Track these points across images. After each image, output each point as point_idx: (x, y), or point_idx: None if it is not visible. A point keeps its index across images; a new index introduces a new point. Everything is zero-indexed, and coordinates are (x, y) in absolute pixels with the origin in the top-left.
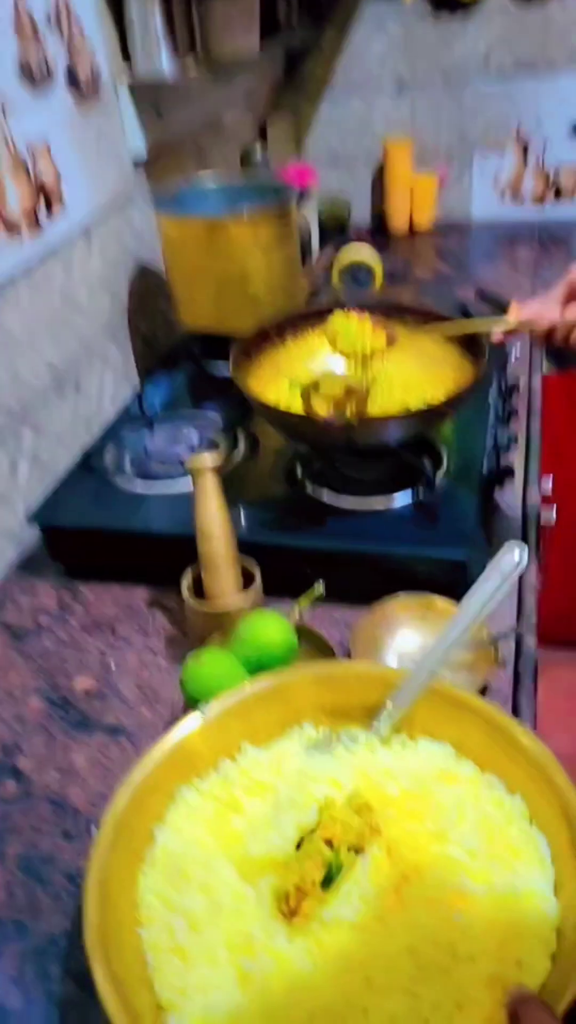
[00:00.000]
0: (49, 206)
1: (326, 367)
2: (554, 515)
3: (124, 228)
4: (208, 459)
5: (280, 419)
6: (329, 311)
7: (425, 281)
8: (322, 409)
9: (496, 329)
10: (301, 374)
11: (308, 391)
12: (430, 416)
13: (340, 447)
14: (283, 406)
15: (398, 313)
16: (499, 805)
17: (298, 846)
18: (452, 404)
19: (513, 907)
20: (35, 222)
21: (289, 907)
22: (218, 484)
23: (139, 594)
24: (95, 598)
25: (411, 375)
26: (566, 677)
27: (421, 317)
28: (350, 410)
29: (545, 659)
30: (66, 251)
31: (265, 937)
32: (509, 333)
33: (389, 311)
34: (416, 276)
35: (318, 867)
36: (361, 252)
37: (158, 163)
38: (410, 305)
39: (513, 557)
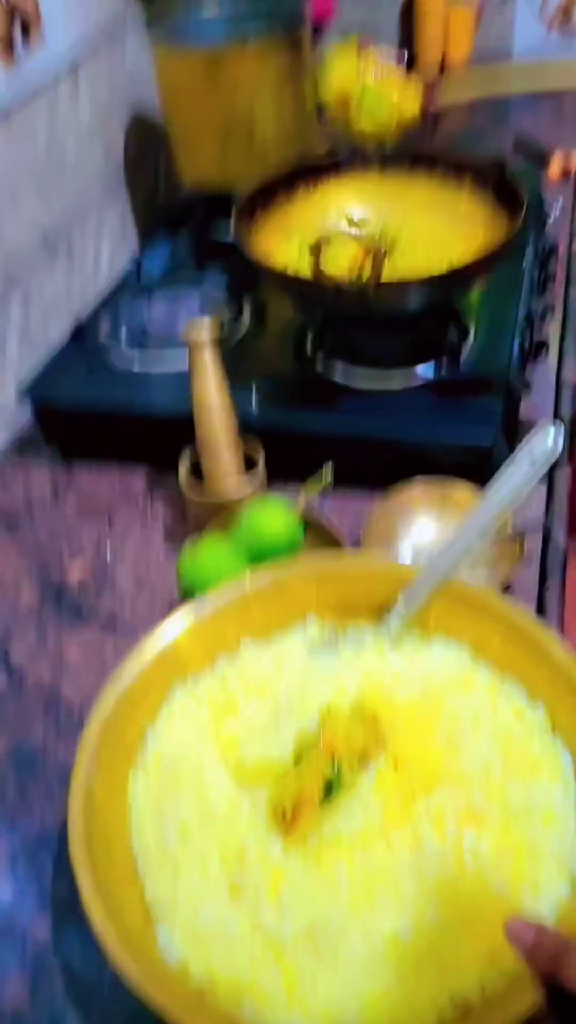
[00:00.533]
0: (26, 31)
1: (341, 225)
2: None
3: (117, 66)
4: (205, 329)
5: (288, 284)
6: (346, 161)
7: (455, 130)
8: (334, 272)
9: None
10: (312, 233)
11: (318, 251)
12: (455, 280)
13: (354, 316)
14: (291, 270)
15: (426, 163)
16: (519, 715)
17: (297, 756)
18: (481, 266)
19: (529, 826)
20: (9, 52)
21: (286, 821)
22: (217, 357)
23: (138, 479)
24: (91, 482)
25: (437, 234)
26: None
27: (452, 168)
28: (366, 273)
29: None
30: (49, 91)
31: (260, 849)
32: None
33: (416, 159)
34: (446, 123)
35: (318, 781)
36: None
37: None
38: (439, 154)
39: (547, 441)
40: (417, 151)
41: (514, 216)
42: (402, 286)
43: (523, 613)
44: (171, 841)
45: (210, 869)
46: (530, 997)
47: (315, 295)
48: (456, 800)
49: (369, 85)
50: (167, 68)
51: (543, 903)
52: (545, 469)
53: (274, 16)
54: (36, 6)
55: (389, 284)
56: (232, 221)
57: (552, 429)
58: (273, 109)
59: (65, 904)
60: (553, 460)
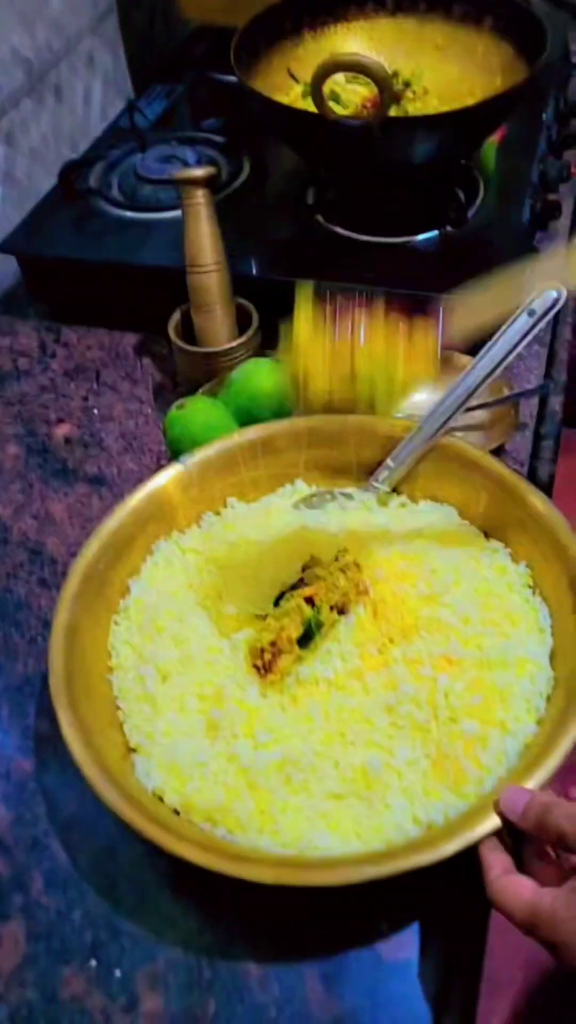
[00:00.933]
0: None
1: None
2: None
3: None
4: (198, 171)
5: (287, 120)
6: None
7: None
8: (338, 109)
9: None
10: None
11: (320, 80)
12: (464, 122)
13: (358, 160)
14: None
15: (443, 2)
16: (501, 571)
17: (277, 602)
18: (491, 108)
19: (503, 673)
20: None
21: (263, 662)
22: (211, 204)
23: (128, 339)
24: (79, 341)
25: (452, 81)
26: None
27: (475, 6)
28: (367, 110)
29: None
30: None
31: (237, 690)
32: None
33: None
34: None
35: (296, 624)
36: None
37: None
38: None
39: (548, 297)
40: None
41: (536, 58)
42: (408, 123)
43: (512, 473)
44: (151, 683)
45: (188, 707)
46: (490, 823)
47: (316, 133)
48: (433, 647)
49: None
50: None
51: (511, 744)
52: (543, 323)
53: None
54: None
55: (395, 120)
56: (232, 50)
57: (553, 288)
58: None
59: (47, 740)
60: (551, 314)
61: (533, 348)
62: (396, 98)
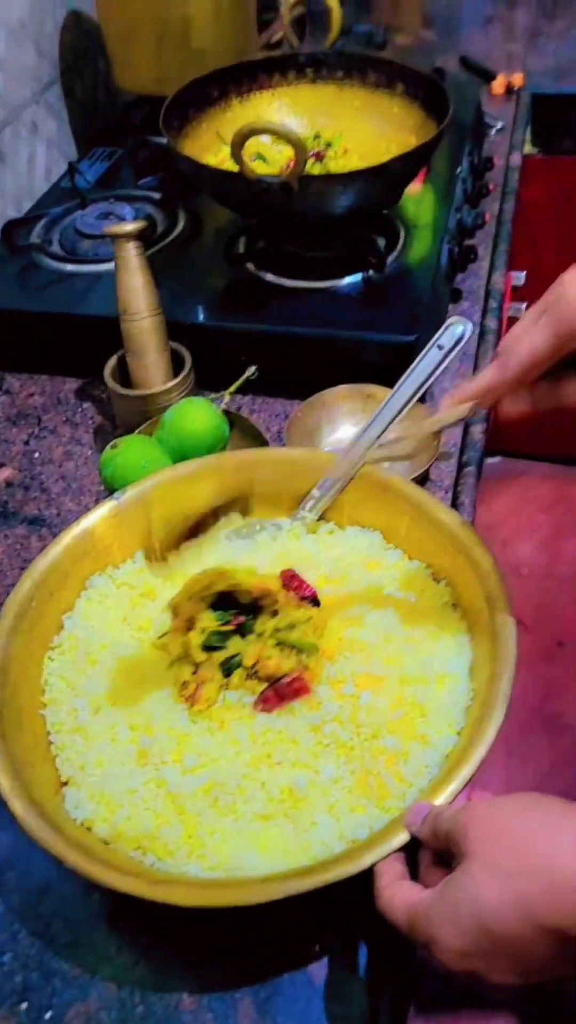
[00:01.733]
0: None
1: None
2: (524, 309)
3: None
4: (129, 226)
5: (211, 179)
6: (279, 62)
7: (407, 47)
8: (259, 168)
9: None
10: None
11: (240, 143)
12: (375, 177)
13: (281, 216)
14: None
15: (360, 68)
16: (423, 590)
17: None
18: (402, 164)
19: (423, 688)
20: None
21: (189, 692)
22: (142, 255)
23: (70, 384)
24: (22, 388)
25: (370, 140)
26: (540, 489)
27: (386, 75)
28: (289, 168)
29: (520, 470)
30: None
31: (167, 717)
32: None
33: (350, 65)
34: (396, 42)
35: (219, 659)
36: None
37: None
38: (375, 57)
39: (454, 332)
40: (356, 54)
41: (441, 118)
42: (325, 181)
43: (430, 497)
44: (83, 715)
45: (119, 737)
46: (406, 835)
47: (239, 190)
48: (356, 666)
49: None
50: None
51: (432, 756)
52: (452, 355)
53: None
54: None
55: (312, 179)
56: (161, 117)
57: (460, 323)
58: (210, 11)
59: None
60: (460, 346)
61: (456, 381)
62: (318, 156)
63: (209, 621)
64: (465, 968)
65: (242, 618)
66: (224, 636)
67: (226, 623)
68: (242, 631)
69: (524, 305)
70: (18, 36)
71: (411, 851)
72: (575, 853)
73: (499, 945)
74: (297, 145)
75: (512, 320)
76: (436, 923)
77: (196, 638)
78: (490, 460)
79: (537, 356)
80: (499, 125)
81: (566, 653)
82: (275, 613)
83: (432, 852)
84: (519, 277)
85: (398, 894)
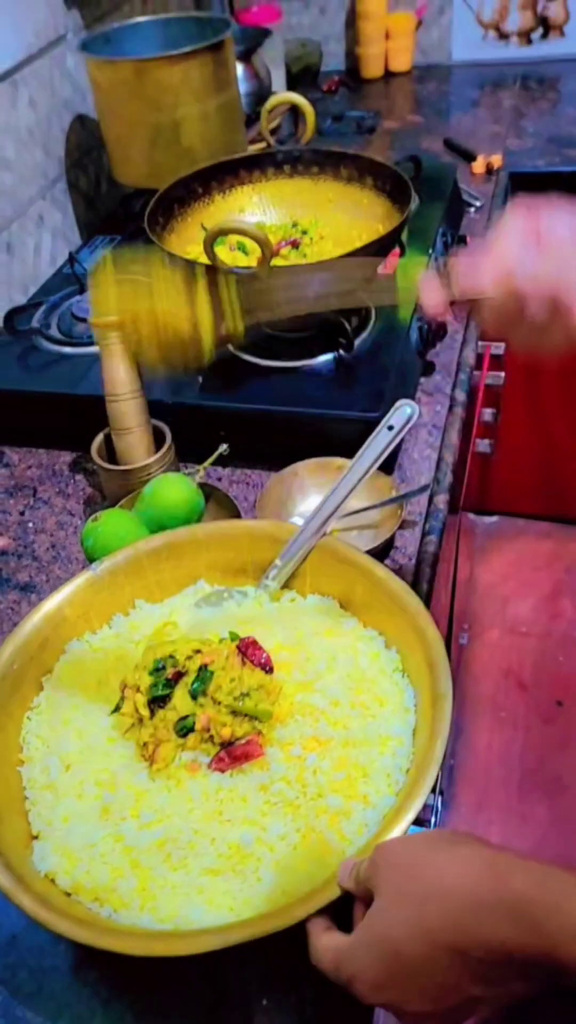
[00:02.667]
0: None
1: (244, 218)
2: (503, 377)
3: (56, 74)
4: (113, 313)
5: (186, 270)
6: (258, 159)
7: (395, 131)
8: (230, 260)
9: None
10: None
11: (211, 241)
12: (343, 265)
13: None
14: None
15: (333, 163)
16: (375, 658)
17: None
18: (364, 252)
19: (367, 750)
20: None
21: (148, 753)
22: (125, 341)
23: (64, 457)
24: (20, 461)
25: (342, 229)
26: (538, 548)
27: (356, 169)
28: (258, 261)
29: (519, 529)
30: None
31: (129, 775)
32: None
33: (323, 161)
34: (386, 127)
35: (172, 720)
36: (290, 95)
37: (97, 1)
38: (346, 154)
39: (403, 414)
40: (326, 151)
41: (404, 206)
42: (292, 271)
43: (378, 566)
44: (55, 772)
45: (86, 793)
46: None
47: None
48: (304, 729)
49: None
50: (97, 76)
51: (371, 815)
52: (402, 434)
53: (204, 28)
54: None
55: (280, 270)
56: (147, 213)
57: (407, 405)
58: (198, 117)
59: None
60: (408, 426)
61: (425, 452)
62: (294, 244)
63: (148, 680)
64: (382, 1000)
65: (176, 671)
66: (166, 685)
67: (163, 678)
68: (193, 693)
69: (503, 374)
70: (26, 142)
71: (346, 907)
72: (463, 882)
73: (408, 969)
74: (262, 242)
75: (489, 388)
76: (355, 959)
77: (139, 698)
78: (489, 519)
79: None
80: (479, 203)
81: (565, 713)
82: (231, 679)
83: (363, 904)
84: (499, 347)
85: (325, 942)
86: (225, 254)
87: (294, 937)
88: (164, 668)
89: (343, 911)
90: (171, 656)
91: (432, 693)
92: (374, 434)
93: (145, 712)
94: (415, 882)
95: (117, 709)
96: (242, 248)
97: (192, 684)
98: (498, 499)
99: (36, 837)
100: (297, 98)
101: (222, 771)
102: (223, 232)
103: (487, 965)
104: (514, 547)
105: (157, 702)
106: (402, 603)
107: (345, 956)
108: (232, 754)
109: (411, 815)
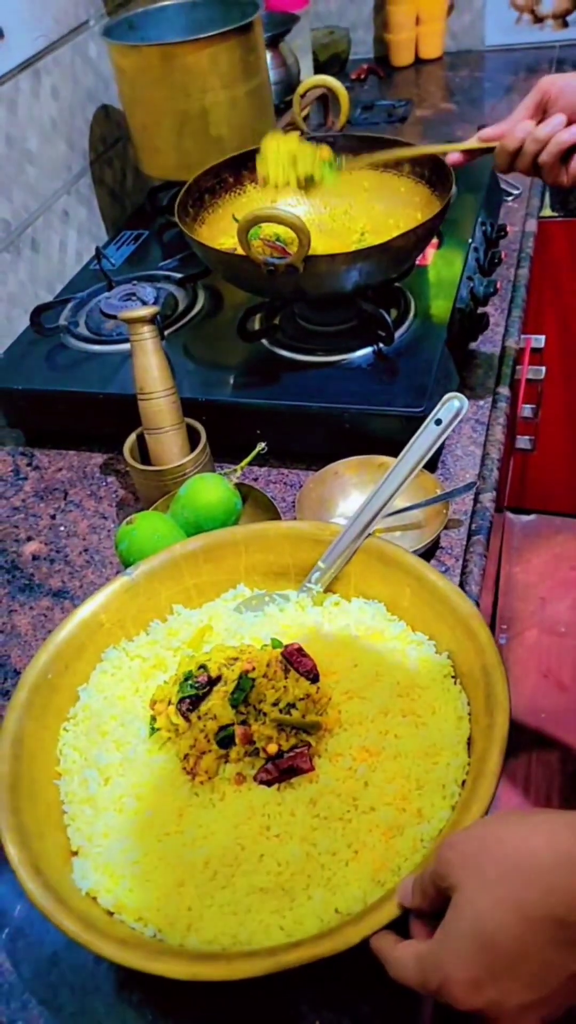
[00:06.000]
0: None
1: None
2: (543, 371)
3: (79, 62)
4: (142, 311)
5: (222, 263)
6: None
7: (427, 119)
8: (265, 251)
9: (455, 150)
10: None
11: (246, 230)
12: (381, 254)
13: (292, 294)
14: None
15: (368, 149)
16: (425, 663)
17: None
18: (403, 241)
19: (420, 762)
20: None
21: (189, 765)
22: (156, 337)
23: (95, 459)
24: (50, 464)
25: (378, 219)
26: (573, 546)
27: (390, 151)
28: (294, 251)
29: (556, 528)
30: (8, 88)
31: (170, 789)
32: (470, 155)
33: (356, 145)
34: (418, 115)
35: (212, 729)
36: (324, 78)
37: None
38: (378, 137)
39: (451, 407)
40: (359, 135)
41: (444, 194)
42: (329, 261)
43: (429, 568)
44: (93, 785)
45: (126, 808)
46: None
47: (248, 273)
48: (353, 739)
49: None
50: (121, 64)
51: (426, 829)
52: (450, 429)
53: (231, 11)
54: None
55: (317, 259)
56: (176, 204)
57: (455, 399)
58: (227, 104)
59: None
60: (457, 421)
61: (469, 448)
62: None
63: (176, 694)
64: (482, 1003)
65: (207, 676)
66: (196, 688)
67: (192, 686)
68: (234, 702)
69: (543, 368)
70: (49, 134)
71: (403, 928)
72: (545, 843)
73: (506, 957)
74: (299, 229)
75: (531, 382)
76: (444, 961)
77: (171, 710)
78: (526, 518)
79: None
80: (517, 192)
81: None
82: (275, 690)
83: (423, 922)
84: (539, 340)
85: (402, 953)
86: (260, 247)
87: (348, 955)
88: (193, 676)
89: (399, 932)
90: (202, 667)
91: (487, 700)
92: (421, 429)
93: (179, 720)
94: (496, 861)
95: (154, 731)
96: (280, 239)
97: (232, 692)
98: (535, 497)
99: (76, 853)
100: (332, 81)
101: (268, 784)
102: (257, 220)
103: None
104: (552, 546)
105: (189, 704)
106: (453, 606)
107: (430, 962)
108: (279, 767)
109: None
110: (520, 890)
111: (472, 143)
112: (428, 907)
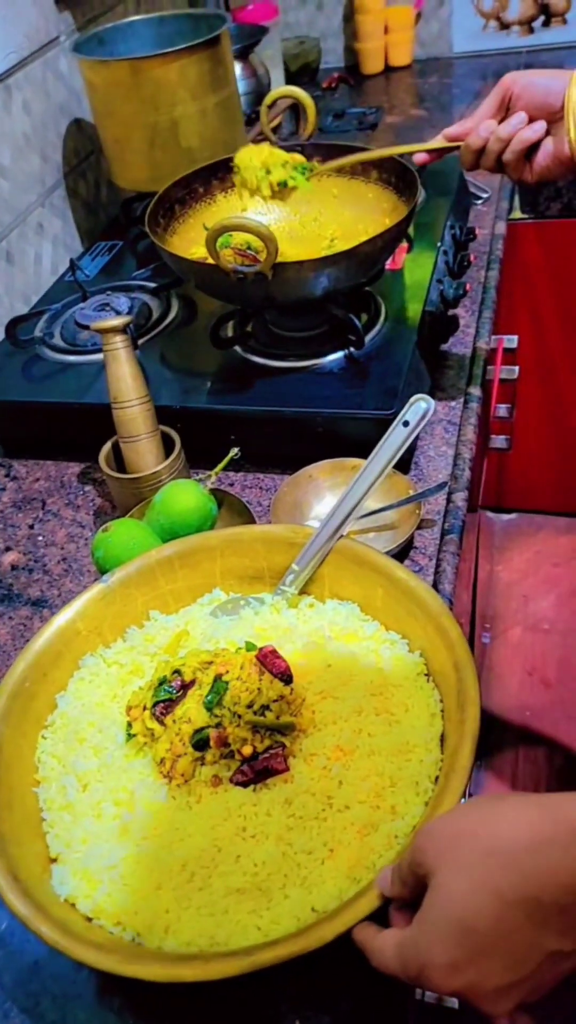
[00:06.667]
0: None
1: (246, 216)
2: (517, 371)
3: (50, 78)
4: (114, 321)
5: (193, 272)
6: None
7: (398, 125)
8: (236, 260)
9: (420, 150)
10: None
11: (213, 239)
12: (348, 260)
13: (262, 302)
14: (198, 258)
15: (334, 155)
16: (398, 662)
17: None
18: (370, 246)
19: (393, 759)
20: None
21: (166, 768)
22: (129, 346)
23: (73, 469)
24: (28, 474)
25: (348, 225)
26: (557, 544)
27: (360, 162)
28: (263, 258)
29: (537, 526)
30: None
31: (147, 793)
32: (435, 154)
33: (323, 153)
34: (388, 122)
35: (187, 733)
36: (291, 88)
37: (90, 0)
38: (345, 145)
39: (419, 409)
40: (328, 144)
41: (410, 198)
42: (297, 268)
43: (397, 566)
44: (71, 792)
45: (104, 813)
46: (366, 905)
47: (217, 281)
48: (327, 739)
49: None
50: (91, 78)
51: (400, 826)
52: (418, 430)
53: (199, 25)
54: None
55: (284, 266)
56: (147, 214)
57: (422, 401)
58: (196, 116)
59: None
60: (424, 421)
61: (441, 449)
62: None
63: (150, 699)
64: (461, 985)
65: (181, 681)
66: (170, 692)
67: (166, 690)
68: (208, 705)
69: (517, 368)
70: (22, 148)
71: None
72: (515, 826)
73: (483, 939)
74: (266, 237)
75: (505, 382)
76: (423, 947)
77: (146, 715)
78: (506, 517)
79: (487, 108)
80: (486, 195)
81: None
82: (249, 691)
83: (402, 911)
84: (512, 340)
85: (382, 942)
86: (231, 256)
87: (327, 954)
88: (167, 681)
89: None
90: (176, 671)
91: (459, 697)
92: (389, 431)
93: (153, 725)
94: (472, 846)
95: (130, 737)
96: (251, 247)
97: (207, 695)
98: (515, 496)
99: (55, 860)
100: (297, 91)
101: (244, 785)
102: (225, 230)
103: (562, 911)
104: (533, 544)
105: (163, 708)
106: (424, 605)
107: (409, 947)
108: (254, 768)
109: None
110: (497, 873)
111: (437, 142)
112: (407, 895)
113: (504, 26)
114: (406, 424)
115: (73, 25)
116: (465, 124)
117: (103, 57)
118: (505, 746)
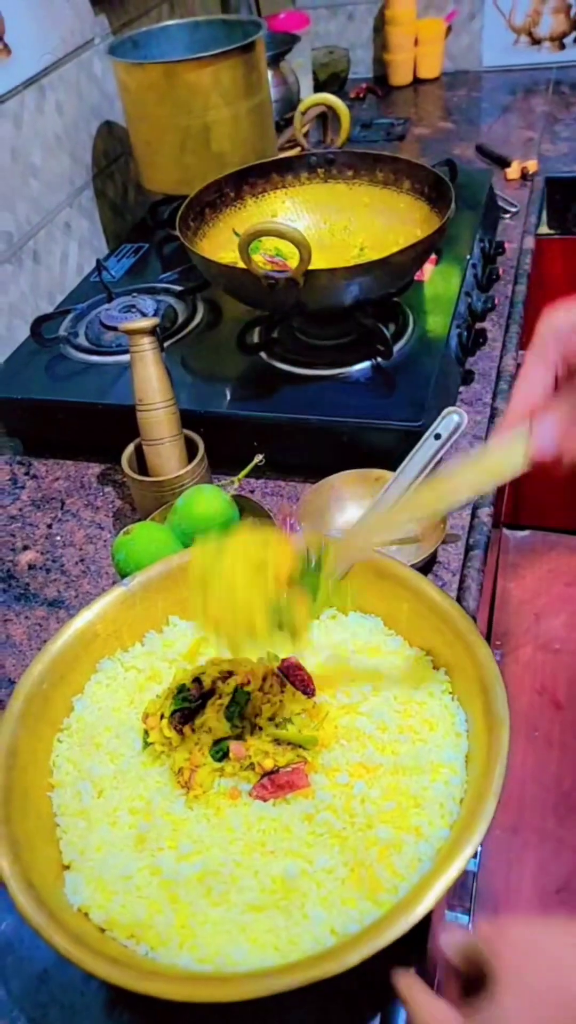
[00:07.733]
0: None
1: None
2: None
3: (84, 79)
4: (143, 322)
5: (222, 276)
6: (291, 162)
7: (425, 137)
8: (265, 266)
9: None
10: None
11: (247, 243)
12: (380, 269)
13: (291, 308)
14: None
15: (368, 166)
16: (422, 678)
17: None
18: (402, 256)
19: (417, 778)
20: None
21: (183, 778)
22: (156, 349)
23: (93, 469)
24: (47, 473)
25: (378, 234)
26: (567, 562)
27: (392, 172)
28: (295, 265)
29: (550, 544)
30: (14, 102)
31: (164, 802)
32: None
33: (355, 162)
34: (416, 133)
35: (207, 743)
36: (326, 96)
37: (125, 5)
38: (378, 154)
39: (451, 421)
40: (362, 152)
41: (444, 211)
42: (329, 275)
43: (427, 583)
44: (87, 798)
45: (120, 821)
46: (393, 933)
47: (248, 287)
48: (350, 754)
49: None
50: (125, 80)
51: (424, 849)
52: (449, 443)
53: (233, 32)
54: (1, 20)
55: (317, 274)
56: (178, 218)
57: (454, 413)
58: (229, 121)
59: None
60: (457, 435)
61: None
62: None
63: (168, 707)
64: None
65: (201, 690)
66: (189, 701)
67: (185, 699)
68: (229, 715)
69: None
70: (53, 148)
71: (399, 950)
72: None
73: None
74: (300, 243)
75: None
76: None
77: (164, 723)
78: (520, 534)
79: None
80: (514, 209)
81: None
82: (271, 704)
83: (456, 977)
84: None
85: (432, 1015)
86: (260, 262)
87: (346, 977)
88: (186, 689)
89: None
90: (196, 680)
91: (487, 718)
92: (420, 443)
93: (171, 733)
94: (541, 974)
95: (147, 745)
96: (280, 253)
97: (228, 706)
98: (530, 513)
99: (68, 867)
100: (333, 99)
101: (264, 799)
102: (259, 234)
103: None
104: (546, 562)
105: (180, 717)
106: (451, 621)
107: None
108: (275, 782)
109: (468, 851)
110: (560, 1012)
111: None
112: (465, 970)
113: (535, 41)
114: (437, 437)
115: (108, 28)
116: (517, 403)
117: (138, 60)
118: (513, 766)
